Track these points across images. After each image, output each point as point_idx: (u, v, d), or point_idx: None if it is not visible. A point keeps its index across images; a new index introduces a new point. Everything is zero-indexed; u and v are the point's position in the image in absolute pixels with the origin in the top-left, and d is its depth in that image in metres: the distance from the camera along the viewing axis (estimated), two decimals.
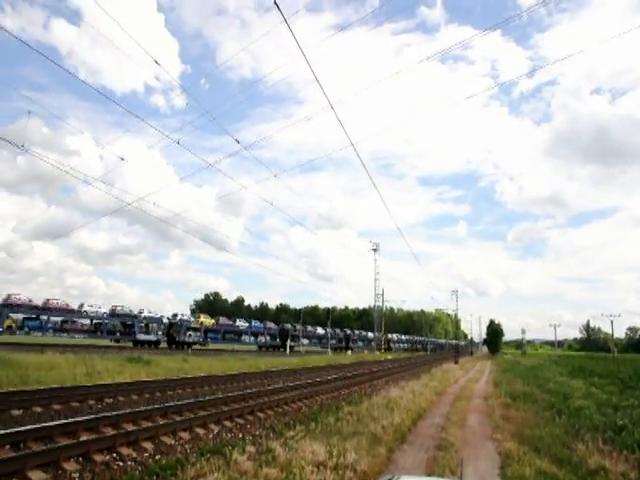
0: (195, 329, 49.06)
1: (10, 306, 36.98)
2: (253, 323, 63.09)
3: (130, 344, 42.70)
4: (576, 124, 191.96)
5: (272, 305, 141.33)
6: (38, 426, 8.06)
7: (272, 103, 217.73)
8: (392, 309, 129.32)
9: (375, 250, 71.22)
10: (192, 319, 52.32)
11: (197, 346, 47.01)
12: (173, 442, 8.53)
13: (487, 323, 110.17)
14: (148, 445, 8.11)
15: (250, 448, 7.85)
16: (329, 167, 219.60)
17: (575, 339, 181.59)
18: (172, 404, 11.61)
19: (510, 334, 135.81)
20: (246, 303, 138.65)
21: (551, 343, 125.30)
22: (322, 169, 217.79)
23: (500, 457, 8.62)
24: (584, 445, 9.21)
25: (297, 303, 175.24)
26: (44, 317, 39.77)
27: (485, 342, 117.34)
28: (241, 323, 61.17)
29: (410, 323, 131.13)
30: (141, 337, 44.37)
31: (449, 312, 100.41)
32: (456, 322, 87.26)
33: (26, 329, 38.05)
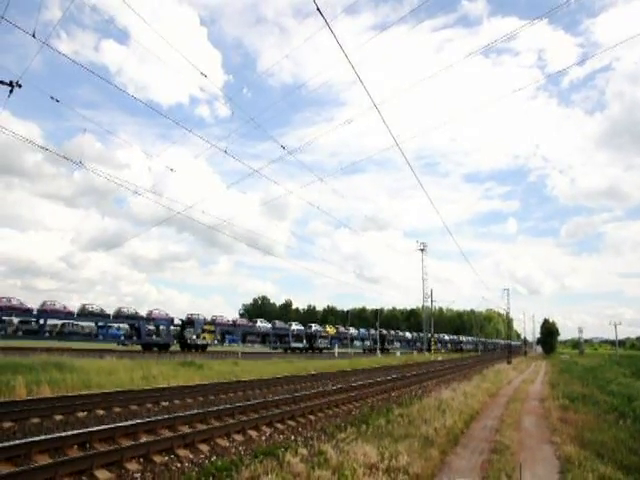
0: (209, 330, 46.34)
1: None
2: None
3: (138, 347, 41.71)
4: (633, 111, 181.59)
5: (319, 307, 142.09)
6: (102, 428, 8.51)
7: (313, 107, 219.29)
8: (441, 309, 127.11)
9: (422, 250, 70.25)
10: (205, 319, 47.54)
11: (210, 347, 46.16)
12: (227, 444, 8.76)
13: (541, 322, 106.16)
14: (204, 447, 8.37)
15: (302, 450, 7.94)
16: (371, 168, 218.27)
17: (638, 338, 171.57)
18: (225, 407, 11.92)
19: (566, 333, 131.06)
20: (294, 306, 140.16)
21: (611, 342, 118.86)
22: (365, 170, 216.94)
23: (559, 461, 8.30)
24: None
25: (344, 305, 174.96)
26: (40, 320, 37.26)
27: (539, 342, 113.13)
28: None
29: (460, 323, 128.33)
30: (149, 339, 42.29)
31: (500, 311, 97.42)
32: (508, 321, 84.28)
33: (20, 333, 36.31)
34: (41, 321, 37.17)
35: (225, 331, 49.49)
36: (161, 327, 43.47)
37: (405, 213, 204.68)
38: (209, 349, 44.99)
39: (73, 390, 13.84)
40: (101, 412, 11.12)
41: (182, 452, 7.88)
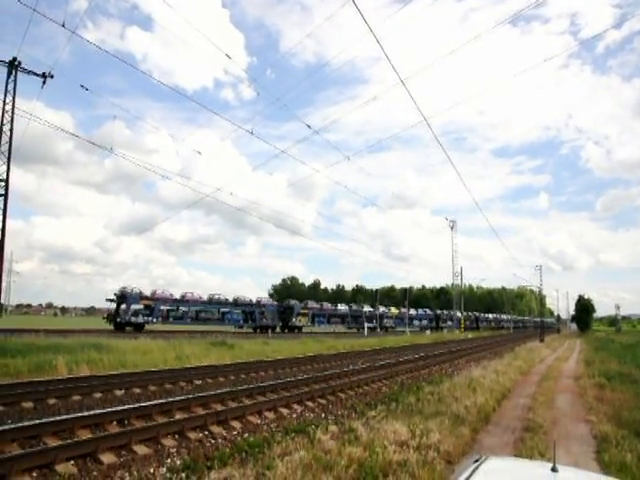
0: (304, 314, 53.43)
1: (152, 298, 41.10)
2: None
3: (250, 330, 47.47)
4: None
5: (348, 287, 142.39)
6: (138, 405, 8.81)
7: (337, 85, 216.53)
8: (471, 287, 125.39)
9: (452, 227, 69.16)
10: (301, 304, 54.81)
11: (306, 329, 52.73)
12: (259, 421, 8.94)
13: (575, 299, 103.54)
14: (236, 424, 8.56)
15: (333, 428, 8.03)
16: (398, 146, 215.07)
17: None
18: (256, 385, 12.16)
19: (602, 310, 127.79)
20: (322, 286, 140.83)
21: None
22: (391, 148, 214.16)
23: (595, 440, 8.11)
24: None
25: (373, 284, 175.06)
26: (183, 308, 43.93)
27: (574, 319, 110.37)
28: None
29: (491, 301, 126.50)
30: (262, 322, 48.51)
31: (533, 288, 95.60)
32: (541, 299, 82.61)
33: (171, 319, 42.74)
34: (183, 308, 43.90)
35: (314, 314, 55.61)
36: (268, 312, 49.88)
37: (433, 190, 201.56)
38: (305, 329, 52.12)
39: (110, 369, 14.36)
40: (137, 390, 11.51)
41: (215, 429, 8.09)
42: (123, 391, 11.28)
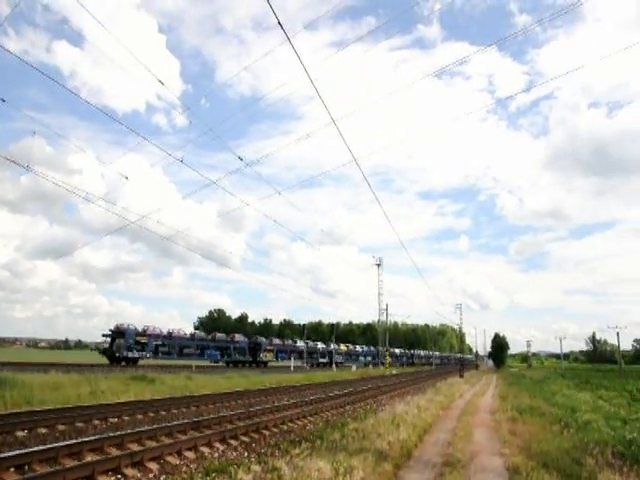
0: (270, 350, 58.30)
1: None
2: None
3: (223, 364, 51.53)
4: (575, 137, 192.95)
5: (276, 321, 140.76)
6: (43, 448, 8.05)
7: (271, 120, 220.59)
8: (396, 323, 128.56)
9: (378, 265, 70.99)
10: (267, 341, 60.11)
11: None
12: (178, 462, 8.49)
13: (492, 336, 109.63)
14: (153, 465, 8.07)
15: (255, 467, 7.80)
16: (329, 183, 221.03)
17: (581, 351, 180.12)
18: (177, 423, 11.57)
19: (515, 347, 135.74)
20: (250, 319, 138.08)
21: (557, 356, 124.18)
22: (322, 185, 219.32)
23: (508, 472, 8.53)
24: (593, 459, 9.07)
25: (300, 319, 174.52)
26: (170, 344, 46.68)
27: (490, 355, 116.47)
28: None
29: (414, 337, 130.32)
30: (235, 357, 53.15)
31: (453, 326, 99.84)
32: (461, 336, 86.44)
33: (160, 354, 45.20)
34: (171, 344, 46.68)
35: (277, 349, 60.59)
36: (241, 348, 54.50)
37: (361, 228, 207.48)
38: (270, 364, 57.29)
39: (13, 407, 13.05)
40: (44, 430, 10.53)
41: (130, 471, 7.57)
42: (26, 432, 10.27)
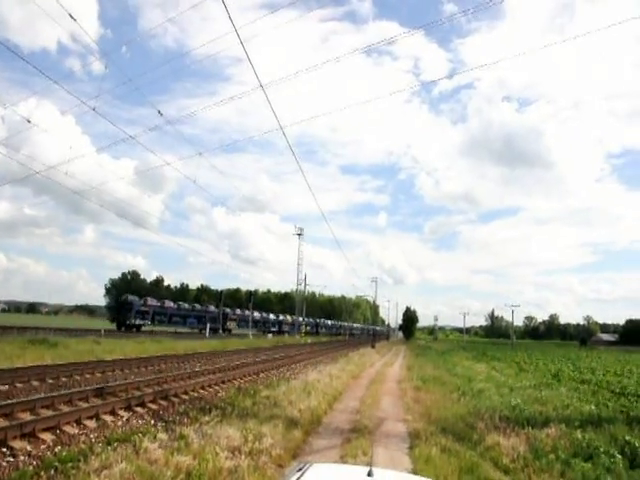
0: (234, 319, 64.55)
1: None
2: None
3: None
4: (488, 127, 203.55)
5: (192, 286, 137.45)
6: None
7: (196, 78, 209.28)
8: (314, 294, 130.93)
9: (299, 235, 71.37)
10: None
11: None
12: (77, 431, 7.98)
13: (403, 310, 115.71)
14: (47, 436, 7.50)
15: (162, 435, 7.54)
16: (253, 149, 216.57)
17: (481, 326, 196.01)
18: (77, 390, 10.90)
19: (424, 321, 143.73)
20: (165, 283, 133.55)
21: (460, 330, 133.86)
22: (245, 150, 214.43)
23: (410, 437, 9.03)
24: (484, 423, 9.91)
25: (218, 285, 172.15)
26: (164, 313, 53.65)
27: (401, 328, 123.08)
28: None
29: (331, 308, 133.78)
30: (210, 325, 55.46)
31: (368, 299, 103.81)
32: (375, 308, 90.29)
33: (156, 322, 52.12)
34: (164, 313, 53.78)
35: (240, 319, 66.52)
36: (214, 317, 59.70)
37: (284, 197, 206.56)
38: (234, 331, 62.04)
39: None
40: None
41: (18, 444, 6.94)
42: None
